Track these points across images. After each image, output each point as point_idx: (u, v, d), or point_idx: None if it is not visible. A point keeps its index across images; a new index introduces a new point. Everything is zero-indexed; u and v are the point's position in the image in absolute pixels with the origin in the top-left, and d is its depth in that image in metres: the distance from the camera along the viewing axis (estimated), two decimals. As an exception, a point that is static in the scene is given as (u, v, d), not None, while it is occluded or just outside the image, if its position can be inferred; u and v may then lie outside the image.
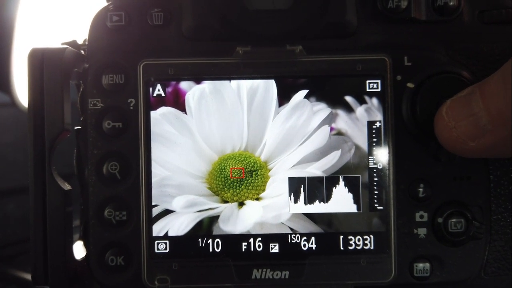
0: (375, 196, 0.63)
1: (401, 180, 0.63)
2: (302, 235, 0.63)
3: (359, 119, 0.63)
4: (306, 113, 0.63)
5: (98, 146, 0.63)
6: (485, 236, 0.64)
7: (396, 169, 0.63)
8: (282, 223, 0.64)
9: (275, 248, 0.63)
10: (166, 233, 0.63)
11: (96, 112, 0.63)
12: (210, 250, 0.63)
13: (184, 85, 0.64)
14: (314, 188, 0.63)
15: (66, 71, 0.63)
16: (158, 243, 0.63)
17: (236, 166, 0.64)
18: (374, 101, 0.63)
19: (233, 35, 0.64)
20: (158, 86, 0.64)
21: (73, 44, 0.67)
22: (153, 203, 0.63)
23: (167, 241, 0.63)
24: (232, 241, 0.63)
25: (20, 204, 1.10)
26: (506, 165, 0.65)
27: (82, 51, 0.67)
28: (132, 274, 0.63)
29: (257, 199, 0.64)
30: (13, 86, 1.15)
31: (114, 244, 0.63)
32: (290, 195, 0.63)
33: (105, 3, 0.66)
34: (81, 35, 0.68)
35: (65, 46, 0.65)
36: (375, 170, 0.63)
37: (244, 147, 0.64)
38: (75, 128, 0.65)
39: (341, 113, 0.63)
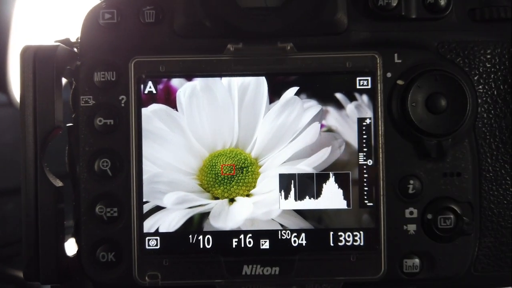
0: (365, 193, 0.63)
1: (391, 177, 0.63)
2: (292, 231, 0.64)
3: (350, 116, 0.64)
4: (297, 110, 0.64)
5: (90, 143, 0.64)
6: (475, 233, 0.64)
7: (386, 165, 0.63)
8: (272, 219, 0.64)
9: (265, 244, 0.64)
10: (157, 229, 0.64)
11: (87, 109, 0.64)
12: (201, 246, 0.64)
13: (175, 82, 0.64)
14: (304, 184, 0.64)
15: (58, 68, 0.63)
16: (149, 239, 0.64)
17: (227, 163, 0.64)
18: (365, 98, 0.64)
19: (224, 32, 0.64)
20: (150, 83, 0.64)
21: (66, 41, 0.67)
22: (144, 200, 0.63)
23: (158, 238, 0.64)
24: (223, 237, 0.64)
25: (18, 204, 1.10)
26: (497, 161, 0.65)
27: (75, 49, 0.67)
28: (123, 270, 0.64)
29: (248, 195, 0.64)
30: (10, 86, 1.15)
31: (105, 240, 0.64)
32: (280, 192, 0.64)
33: (98, 1, 0.67)
34: (76, 33, 0.68)
35: (58, 43, 0.65)
36: (365, 167, 0.63)
37: (235, 144, 0.64)
38: (67, 125, 0.65)
39: (331, 110, 0.64)
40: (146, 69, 0.64)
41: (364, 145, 0.64)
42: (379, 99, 0.63)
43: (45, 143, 0.63)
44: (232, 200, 0.64)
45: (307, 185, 0.64)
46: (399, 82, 0.63)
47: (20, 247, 0.64)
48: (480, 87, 0.65)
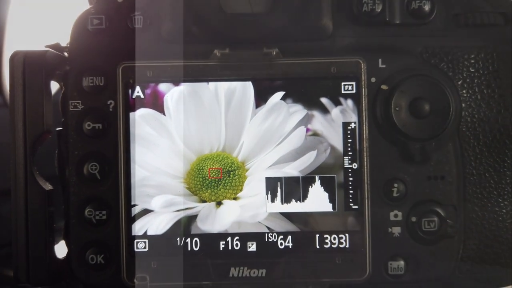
0: (350, 196, 0.64)
1: (376, 180, 0.64)
2: (278, 234, 0.65)
3: (335, 120, 0.65)
4: (283, 115, 0.64)
5: (79, 147, 0.65)
6: (459, 235, 0.65)
7: (371, 169, 0.64)
8: (259, 222, 0.65)
9: (252, 247, 0.65)
10: (145, 232, 0.64)
11: (76, 113, 0.65)
12: (189, 249, 0.65)
13: (162, 87, 0.65)
14: (290, 187, 0.64)
15: (48, 73, 0.64)
16: (137, 242, 0.64)
17: (214, 167, 0.65)
18: (349, 102, 0.64)
19: (211, 38, 0.65)
20: (137, 88, 0.65)
21: (56, 46, 0.68)
22: (132, 203, 0.64)
23: (146, 240, 0.64)
24: (210, 240, 0.65)
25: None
26: (481, 164, 0.66)
27: (66, 53, 0.68)
28: (112, 272, 0.64)
29: (235, 198, 0.65)
30: (5, 87, 1.16)
31: (94, 243, 0.64)
32: (267, 195, 0.64)
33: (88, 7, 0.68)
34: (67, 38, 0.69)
35: (47, 49, 0.66)
36: (350, 170, 0.64)
37: (222, 148, 0.65)
38: (57, 129, 0.66)
39: (317, 114, 0.65)
40: (133, 74, 0.64)
41: (349, 149, 0.64)
42: (364, 104, 0.64)
43: (34, 147, 0.64)
44: (219, 203, 0.65)
45: (293, 188, 0.64)
46: (383, 87, 0.64)
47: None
48: (464, 91, 0.65)
